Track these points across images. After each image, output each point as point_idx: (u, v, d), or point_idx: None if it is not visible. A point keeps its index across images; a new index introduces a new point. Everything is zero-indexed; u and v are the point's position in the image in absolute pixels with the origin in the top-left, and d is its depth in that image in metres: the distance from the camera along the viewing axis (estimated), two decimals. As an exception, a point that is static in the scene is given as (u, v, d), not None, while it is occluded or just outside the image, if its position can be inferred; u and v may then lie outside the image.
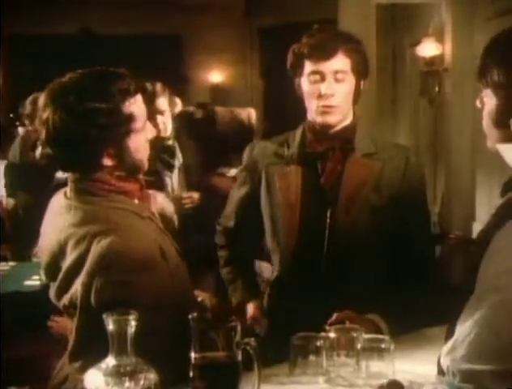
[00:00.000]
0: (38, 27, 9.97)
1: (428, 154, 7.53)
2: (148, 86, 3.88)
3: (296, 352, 1.96)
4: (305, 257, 2.51)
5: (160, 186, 3.86)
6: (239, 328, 1.65)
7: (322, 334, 1.99)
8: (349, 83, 2.49)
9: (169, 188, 3.97)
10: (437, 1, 7.05)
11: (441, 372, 1.60)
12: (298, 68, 2.51)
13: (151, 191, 2.19)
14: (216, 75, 11.04)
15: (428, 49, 7.08)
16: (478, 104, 1.67)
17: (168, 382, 1.58)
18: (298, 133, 2.61)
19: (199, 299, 1.78)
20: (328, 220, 2.48)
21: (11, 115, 6.58)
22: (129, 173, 2.06)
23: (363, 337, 1.96)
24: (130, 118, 2.00)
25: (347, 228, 2.47)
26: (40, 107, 2.00)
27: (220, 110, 4.45)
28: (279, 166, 2.58)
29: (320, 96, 2.46)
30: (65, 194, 2.06)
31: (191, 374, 1.65)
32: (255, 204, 2.62)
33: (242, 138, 4.38)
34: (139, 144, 2.05)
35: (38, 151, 2.04)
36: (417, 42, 7.30)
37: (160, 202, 2.25)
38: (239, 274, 2.71)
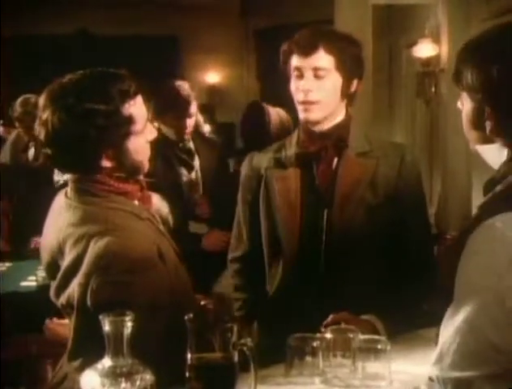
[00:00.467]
0: (35, 27, 9.96)
1: (425, 155, 7.53)
2: (184, 90, 3.92)
3: (292, 353, 1.96)
4: (306, 258, 2.51)
5: (177, 188, 3.88)
6: (235, 329, 1.65)
7: (319, 335, 1.99)
8: (332, 80, 2.48)
9: (187, 189, 3.99)
10: (433, 2, 7.05)
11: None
12: (287, 66, 2.53)
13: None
14: (212, 76, 11.04)
15: (424, 49, 7.08)
16: (459, 105, 1.67)
17: (164, 383, 1.58)
18: (294, 135, 2.62)
19: (202, 302, 1.77)
20: (325, 221, 2.48)
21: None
22: (128, 174, 2.05)
23: (359, 338, 1.96)
24: (130, 120, 1.99)
25: (344, 227, 2.47)
26: (40, 107, 2.00)
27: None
28: (277, 170, 2.59)
29: (299, 92, 2.48)
30: (65, 193, 2.07)
31: (187, 374, 1.65)
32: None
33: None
34: (139, 146, 2.04)
35: (30, 153, 2.04)
36: (413, 43, 7.29)
37: (155, 202, 2.25)
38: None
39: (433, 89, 7.25)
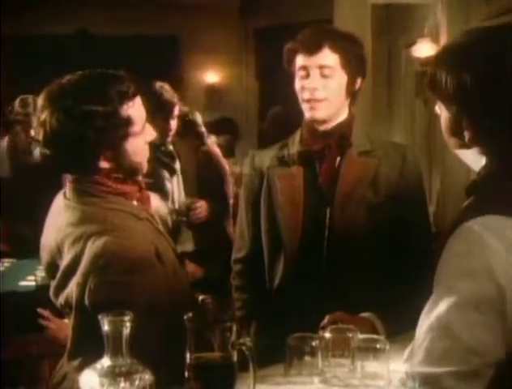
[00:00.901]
0: (35, 27, 9.94)
1: (424, 154, 7.52)
2: (167, 92, 3.91)
3: (291, 353, 1.96)
4: (307, 257, 2.51)
5: (161, 190, 3.85)
6: (235, 328, 1.65)
7: (318, 334, 1.99)
8: (337, 78, 2.49)
9: (171, 192, 3.95)
10: (433, 1, 7.05)
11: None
12: (291, 65, 2.53)
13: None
14: (212, 76, 11.02)
15: (423, 49, 7.07)
16: (437, 110, 1.67)
17: (163, 382, 1.58)
18: (297, 134, 2.62)
19: (200, 297, 1.77)
20: (327, 219, 2.49)
21: None
22: (127, 175, 2.05)
23: (358, 337, 1.96)
24: (128, 121, 1.99)
25: (345, 226, 2.48)
26: (38, 108, 2.00)
27: None
28: (279, 168, 2.59)
29: (305, 90, 2.48)
30: (64, 194, 2.07)
31: (186, 374, 1.65)
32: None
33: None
34: (137, 147, 2.04)
35: (36, 153, 2.04)
36: (412, 43, 7.29)
37: (154, 203, 2.25)
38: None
39: (432, 89, 7.24)
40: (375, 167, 2.52)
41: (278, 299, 2.58)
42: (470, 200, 1.58)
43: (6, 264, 4.42)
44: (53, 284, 2.03)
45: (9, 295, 3.71)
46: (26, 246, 3.91)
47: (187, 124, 5.16)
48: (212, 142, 5.23)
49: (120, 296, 1.82)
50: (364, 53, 2.58)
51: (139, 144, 2.05)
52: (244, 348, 1.66)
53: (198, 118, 5.23)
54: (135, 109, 2.01)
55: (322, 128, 2.54)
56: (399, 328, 2.27)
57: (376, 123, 7.22)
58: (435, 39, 7.00)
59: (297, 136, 2.62)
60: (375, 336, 2.03)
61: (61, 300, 1.99)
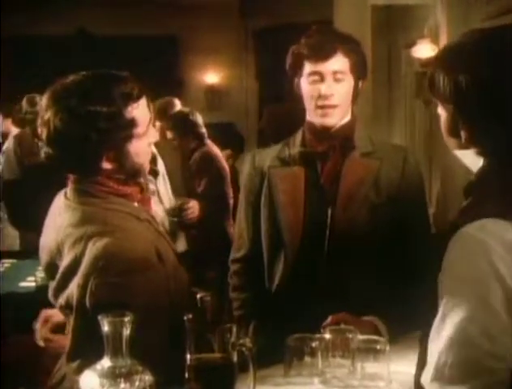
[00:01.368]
0: (34, 27, 9.94)
1: (424, 154, 7.53)
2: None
3: (291, 354, 1.96)
4: (308, 257, 2.51)
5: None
6: (234, 329, 1.65)
7: (318, 335, 1.99)
8: (348, 82, 2.50)
9: (156, 195, 3.89)
10: (433, 2, 7.05)
11: None
12: (297, 69, 2.52)
13: None
14: (211, 76, 11.03)
15: (423, 50, 7.07)
16: (439, 111, 1.67)
17: (163, 383, 1.58)
18: (298, 134, 2.62)
19: (198, 295, 1.76)
20: (329, 219, 2.49)
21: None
22: (129, 176, 2.05)
23: (358, 338, 1.96)
24: (132, 123, 1.99)
25: (347, 226, 2.48)
26: (42, 107, 2.00)
27: None
28: (280, 168, 2.59)
29: (320, 97, 2.48)
30: (65, 194, 2.07)
31: (186, 375, 1.65)
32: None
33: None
34: (140, 149, 2.04)
35: (42, 152, 2.04)
36: (412, 43, 7.29)
37: (152, 205, 2.24)
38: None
39: (432, 89, 7.24)
40: (377, 168, 2.52)
41: (277, 299, 2.58)
42: (466, 202, 1.57)
43: (6, 265, 4.42)
44: (53, 284, 2.02)
45: (9, 296, 3.71)
46: (29, 247, 3.92)
47: (187, 124, 5.16)
48: (212, 142, 5.23)
49: (121, 297, 1.81)
50: (365, 54, 2.59)
51: (142, 146, 2.04)
52: (244, 348, 1.66)
53: (199, 119, 5.22)
54: (139, 110, 2.01)
55: (329, 131, 2.54)
56: (402, 330, 2.28)
57: (376, 124, 7.22)
58: (435, 39, 7.00)
59: (299, 137, 2.61)
60: (375, 337, 2.03)
61: (61, 301, 1.98)
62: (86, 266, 1.88)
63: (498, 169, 1.54)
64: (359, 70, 2.53)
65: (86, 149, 1.96)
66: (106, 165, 2.00)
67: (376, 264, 2.49)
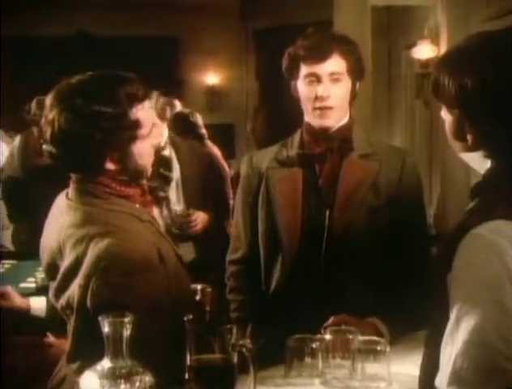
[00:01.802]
0: (34, 28, 9.94)
1: (424, 155, 7.53)
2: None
3: (291, 354, 1.96)
4: (306, 258, 2.51)
5: (156, 202, 3.73)
6: (235, 330, 1.65)
7: (318, 336, 1.99)
8: (345, 84, 2.50)
9: (165, 204, 3.79)
10: (433, 3, 7.05)
11: None
12: (294, 71, 2.52)
13: None
14: (212, 77, 11.02)
15: (423, 51, 7.07)
16: (443, 115, 1.67)
17: (163, 384, 1.58)
18: (296, 136, 2.62)
19: (199, 287, 1.76)
20: (327, 221, 2.49)
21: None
22: (131, 177, 2.05)
23: (358, 339, 1.96)
24: (136, 124, 1.99)
25: (344, 228, 2.48)
26: (47, 107, 2.00)
27: None
28: (278, 170, 2.59)
29: (317, 98, 2.48)
30: (66, 194, 2.07)
31: (187, 376, 1.65)
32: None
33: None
34: (144, 150, 2.04)
35: (47, 149, 2.03)
36: (413, 44, 7.29)
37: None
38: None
39: (433, 90, 7.23)
40: (376, 170, 2.52)
41: (275, 301, 2.58)
42: (474, 203, 1.57)
43: (6, 265, 4.42)
44: (53, 285, 2.02)
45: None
46: (29, 248, 3.90)
47: (188, 125, 5.16)
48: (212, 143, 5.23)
49: (122, 298, 1.81)
50: (362, 55, 2.58)
51: (146, 147, 2.04)
52: (244, 349, 1.66)
53: (199, 120, 5.22)
54: (144, 111, 2.01)
55: (327, 132, 2.54)
56: (402, 331, 2.28)
57: (376, 125, 7.22)
58: (435, 40, 7.00)
59: (297, 138, 2.61)
60: (375, 338, 2.03)
61: (61, 301, 1.98)
62: (87, 266, 1.88)
63: (507, 171, 1.54)
64: (356, 72, 2.53)
65: (89, 149, 1.96)
66: (109, 166, 2.00)
67: (373, 266, 2.49)
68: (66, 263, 1.95)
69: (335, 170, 2.53)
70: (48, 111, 1.98)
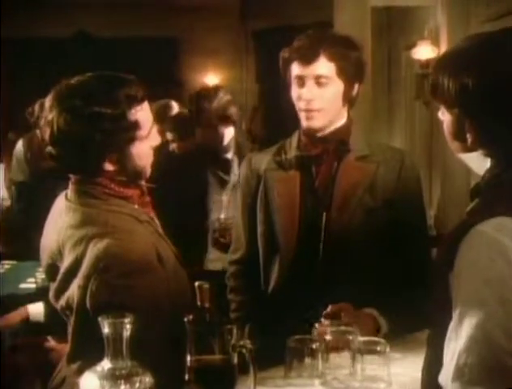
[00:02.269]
0: (34, 29, 9.95)
1: (424, 156, 7.53)
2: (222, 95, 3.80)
3: (291, 355, 1.96)
4: (303, 259, 2.51)
5: (202, 200, 3.73)
6: (235, 331, 1.65)
7: (318, 325, 1.99)
8: (334, 87, 2.49)
9: (216, 205, 3.79)
10: (433, 4, 7.05)
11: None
12: (286, 73, 2.53)
13: None
14: (212, 78, 11.02)
15: (423, 51, 7.07)
16: (440, 116, 1.67)
17: (163, 385, 1.58)
18: (294, 137, 2.62)
19: (196, 283, 1.75)
20: (323, 223, 2.49)
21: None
22: (130, 178, 2.05)
23: (359, 339, 1.96)
24: (135, 125, 1.99)
25: (341, 230, 2.49)
26: (46, 108, 2.00)
27: None
28: (277, 172, 2.59)
29: (301, 100, 2.48)
30: (66, 195, 2.07)
31: (186, 376, 1.64)
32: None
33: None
34: (143, 151, 2.04)
35: (46, 150, 2.04)
36: (413, 45, 7.29)
37: None
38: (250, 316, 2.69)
39: (433, 91, 7.23)
40: (373, 172, 2.52)
41: (273, 301, 2.58)
42: (475, 203, 1.57)
43: (6, 266, 4.42)
44: (53, 286, 2.02)
45: (9, 297, 3.71)
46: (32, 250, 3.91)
47: (188, 126, 5.15)
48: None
49: (121, 298, 1.81)
50: (362, 57, 2.56)
51: (145, 149, 2.05)
52: (244, 350, 1.66)
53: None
54: (143, 113, 2.01)
55: (320, 134, 2.54)
56: (399, 329, 2.28)
57: (376, 126, 7.22)
58: (435, 41, 7.00)
59: (295, 140, 2.61)
60: (375, 339, 2.03)
61: (61, 302, 1.98)
62: (86, 267, 1.88)
63: (507, 169, 1.54)
64: (350, 75, 2.50)
65: (88, 150, 1.96)
66: (108, 167, 2.00)
67: (371, 267, 2.49)
68: (65, 264, 1.95)
69: (332, 172, 2.53)
70: (47, 112, 1.98)
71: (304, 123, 2.53)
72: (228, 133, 3.85)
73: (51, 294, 2.05)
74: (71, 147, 1.97)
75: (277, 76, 2.63)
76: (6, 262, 4.47)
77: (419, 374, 1.68)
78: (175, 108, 5.66)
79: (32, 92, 4.93)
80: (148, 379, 1.51)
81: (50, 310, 2.13)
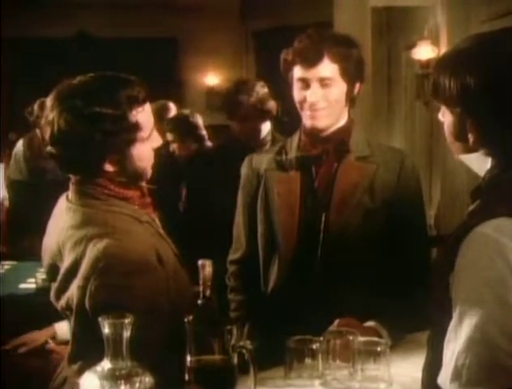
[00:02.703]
0: (34, 29, 9.95)
1: (424, 156, 7.53)
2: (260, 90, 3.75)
3: (291, 356, 1.96)
4: (302, 260, 2.51)
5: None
6: (235, 331, 1.65)
7: (320, 338, 1.99)
8: (337, 88, 2.48)
9: None
10: (433, 3, 7.05)
11: None
12: (288, 75, 2.53)
13: None
14: (212, 78, 11.03)
15: (423, 51, 7.06)
16: (440, 117, 1.67)
17: (163, 385, 1.58)
18: (295, 137, 2.62)
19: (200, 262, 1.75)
20: (323, 224, 2.49)
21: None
22: (130, 180, 2.05)
23: (359, 340, 1.96)
24: (136, 127, 1.99)
25: (340, 230, 2.48)
26: (47, 107, 2.00)
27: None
28: (277, 172, 2.59)
29: (306, 102, 2.48)
30: (67, 196, 2.07)
31: (186, 377, 1.64)
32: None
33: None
34: (143, 153, 2.04)
35: (46, 150, 2.04)
36: (413, 45, 7.28)
37: None
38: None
39: (433, 91, 7.23)
40: (373, 172, 2.52)
41: (272, 302, 2.58)
42: (476, 204, 1.57)
43: (6, 266, 4.42)
44: (54, 286, 2.03)
45: (9, 297, 3.71)
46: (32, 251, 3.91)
47: (188, 126, 5.16)
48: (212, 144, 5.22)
49: (120, 299, 1.81)
50: (362, 56, 2.56)
51: (145, 150, 2.04)
52: (244, 350, 1.66)
53: (199, 121, 5.22)
54: (144, 114, 2.01)
55: (321, 134, 2.54)
56: (403, 334, 2.28)
57: (376, 126, 7.22)
58: (435, 41, 6.99)
59: (295, 140, 2.61)
60: (376, 339, 2.03)
61: (62, 303, 1.98)
62: (86, 267, 1.88)
63: (508, 169, 1.54)
64: (352, 74, 2.50)
65: (89, 150, 1.96)
66: (108, 168, 2.00)
67: (370, 267, 2.49)
68: (65, 264, 1.95)
69: (332, 172, 2.53)
70: (48, 111, 1.98)
71: (308, 122, 2.52)
72: (265, 126, 3.83)
73: (52, 294, 2.05)
74: (72, 146, 1.97)
75: (277, 76, 2.62)
76: (6, 262, 4.48)
77: (419, 375, 1.68)
78: (172, 109, 5.67)
79: (32, 92, 4.96)
80: (148, 379, 1.51)
81: None
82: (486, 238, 1.45)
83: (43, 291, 3.05)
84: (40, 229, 2.17)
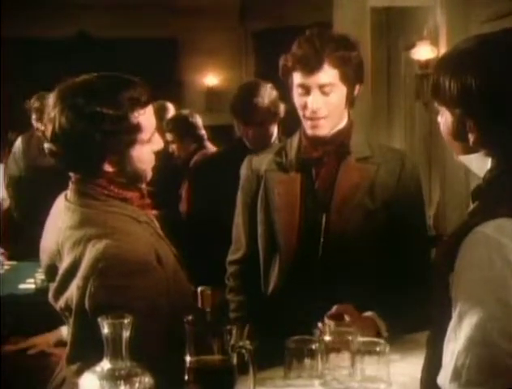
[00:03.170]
0: (34, 29, 9.95)
1: (424, 156, 7.53)
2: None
3: (291, 356, 1.96)
4: (303, 261, 2.51)
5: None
6: (234, 331, 1.65)
7: (320, 325, 1.99)
8: (338, 93, 2.46)
9: None
10: (432, 4, 7.05)
11: None
12: (287, 79, 2.51)
13: None
14: (211, 79, 11.04)
15: (422, 52, 7.07)
16: (439, 119, 1.67)
17: (163, 385, 1.58)
18: (295, 139, 2.61)
19: (199, 289, 1.76)
20: (323, 225, 2.49)
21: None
22: (130, 181, 2.05)
23: (358, 340, 1.96)
24: (137, 128, 1.98)
25: (341, 231, 2.48)
26: (49, 105, 2.00)
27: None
28: (277, 173, 2.59)
29: (307, 109, 2.46)
30: (65, 196, 2.06)
31: (186, 377, 1.64)
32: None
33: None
34: (143, 155, 2.03)
35: (46, 147, 2.04)
36: (412, 45, 7.29)
37: None
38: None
39: (432, 91, 7.23)
40: (373, 173, 2.51)
41: (272, 302, 2.58)
42: (477, 204, 1.57)
43: (5, 267, 4.42)
44: (53, 287, 2.02)
45: (8, 297, 3.71)
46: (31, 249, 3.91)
47: (187, 126, 5.16)
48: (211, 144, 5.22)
49: (120, 299, 1.81)
50: (362, 58, 2.54)
51: (146, 152, 2.04)
52: (243, 350, 1.66)
53: (198, 121, 5.22)
54: (146, 117, 2.00)
55: (319, 139, 2.53)
56: (402, 328, 2.28)
57: (375, 126, 7.22)
58: (434, 41, 7.00)
59: (295, 141, 2.60)
60: (375, 339, 2.03)
61: (60, 303, 1.98)
62: (85, 268, 1.88)
63: (508, 170, 1.54)
64: (352, 77, 2.48)
65: (89, 149, 1.96)
66: (108, 168, 2.00)
67: (371, 268, 2.49)
68: (64, 265, 1.95)
69: (332, 174, 2.53)
70: (50, 109, 1.98)
71: (309, 131, 2.51)
72: (275, 130, 3.70)
73: (50, 295, 2.05)
74: (71, 144, 1.97)
75: (277, 77, 2.62)
76: (6, 262, 4.47)
77: (419, 375, 1.68)
78: (171, 109, 5.67)
79: (32, 93, 4.94)
80: (148, 380, 1.51)
81: None
82: (486, 238, 1.45)
83: (42, 291, 3.05)
84: (39, 229, 2.17)
